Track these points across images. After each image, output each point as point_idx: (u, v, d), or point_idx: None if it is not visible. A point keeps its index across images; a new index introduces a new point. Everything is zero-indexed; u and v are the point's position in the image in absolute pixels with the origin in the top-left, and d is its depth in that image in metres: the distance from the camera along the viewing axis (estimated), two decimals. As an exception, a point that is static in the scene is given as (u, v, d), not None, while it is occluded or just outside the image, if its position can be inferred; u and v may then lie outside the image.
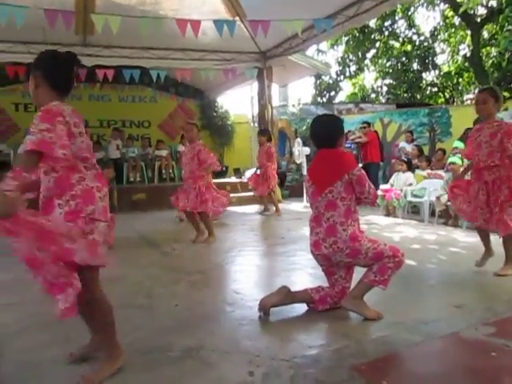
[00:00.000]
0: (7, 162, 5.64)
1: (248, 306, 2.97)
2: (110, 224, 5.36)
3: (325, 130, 2.83)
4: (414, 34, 18.27)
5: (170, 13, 7.29)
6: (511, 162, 3.54)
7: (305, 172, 9.32)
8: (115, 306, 3.05)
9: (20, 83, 10.41)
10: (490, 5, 14.00)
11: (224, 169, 12.17)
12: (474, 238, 5.36)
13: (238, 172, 12.03)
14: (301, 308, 2.85)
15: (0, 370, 2.16)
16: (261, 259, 4.62)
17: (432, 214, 6.69)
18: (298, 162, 9.38)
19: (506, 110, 10.77)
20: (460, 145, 6.78)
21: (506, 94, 17.03)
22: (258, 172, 7.94)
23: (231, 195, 8.65)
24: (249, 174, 11.47)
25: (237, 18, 7.38)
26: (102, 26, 6.29)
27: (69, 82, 2.09)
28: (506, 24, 13.22)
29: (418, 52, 17.91)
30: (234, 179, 11.14)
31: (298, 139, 9.43)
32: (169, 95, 12.46)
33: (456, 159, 6.73)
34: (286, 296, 2.77)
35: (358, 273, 2.82)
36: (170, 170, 10.87)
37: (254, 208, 8.87)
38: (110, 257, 4.96)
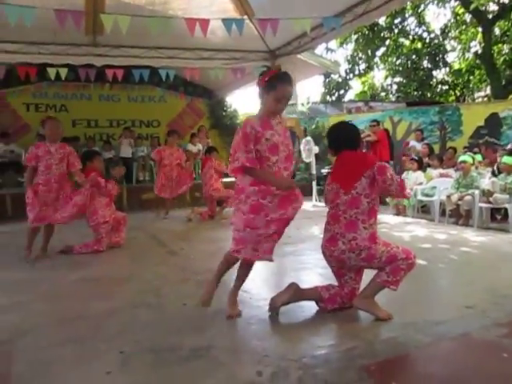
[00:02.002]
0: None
1: (256, 305, 2.97)
2: (121, 224, 5.40)
3: (346, 133, 2.92)
4: (424, 31, 18.12)
5: (179, 12, 7.30)
6: None
7: (314, 171, 9.30)
8: (124, 305, 3.09)
9: (31, 84, 10.52)
10: (501, 1, 13.83)
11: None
12: (485, 238, 5.31)
13: (246, 171, 12.01)
14: (310, 308, 2.84)
15: (11, 369, 2.17)
16: (269, 258, 4.60)
17: (442, 213, 6.63)
18: (307, 161, 9.34)
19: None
20: (468, 159, 6.64)
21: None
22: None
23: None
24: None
25: (245, 17, 7.36)
26: (111, 26, 6.31)
27: None
28: (518, 21, 13.05)
29: (429, 50, 17.76)
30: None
31: (308, 138, 9.40)
32: (178, 95, 12.48)
33: (467, 157, 6.65)
34: (296, 293, 2.76)
35: (367, 275, 2.81)
36: (180, 169, 10.89)
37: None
38: (120, 256, 5.01)
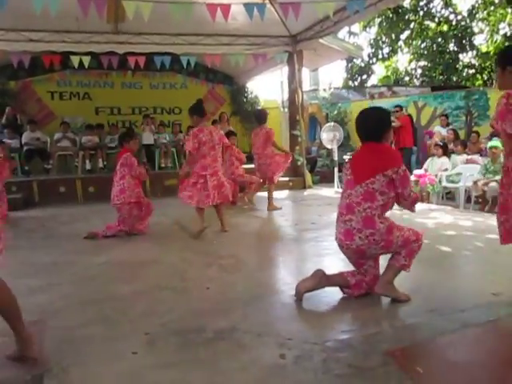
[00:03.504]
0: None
1: (280, 289, 2.99)
2: (145, 211, 5.45)
3: (372, 124, 2.75)
4: (450, 13, 17.55)
5: (200, -3, 7.25)
6: None
7: (336, 157, 9.21)
8: (149, 287, 3.15)
9: (55, 72, 10.67)
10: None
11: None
12: (512, 225, 5.19)
13: (267, 158, 11.98)
14: (333, 293, 2.83)
15: (42, 346, 2.25)
16: (291, 244, 4.61)
17: (468, 200, 6.51)
18: (330, 147, 9.25)
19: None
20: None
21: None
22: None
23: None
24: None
25: (267, 1, 7.27)
26: (133, 13, 6.33)
27: None
28: (551, 0, 12.52)
29: (455, 32, 17.22)
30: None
31: (332, 123, 9.29)
32: (199, 81, 12.48)
33: (498, 143, 6.47)
34: (321, 279, 2.74)
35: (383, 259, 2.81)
36: (201, 156, 10.93)
37: (284, 193, 8.84)
38: (145, 241, 5.08)
